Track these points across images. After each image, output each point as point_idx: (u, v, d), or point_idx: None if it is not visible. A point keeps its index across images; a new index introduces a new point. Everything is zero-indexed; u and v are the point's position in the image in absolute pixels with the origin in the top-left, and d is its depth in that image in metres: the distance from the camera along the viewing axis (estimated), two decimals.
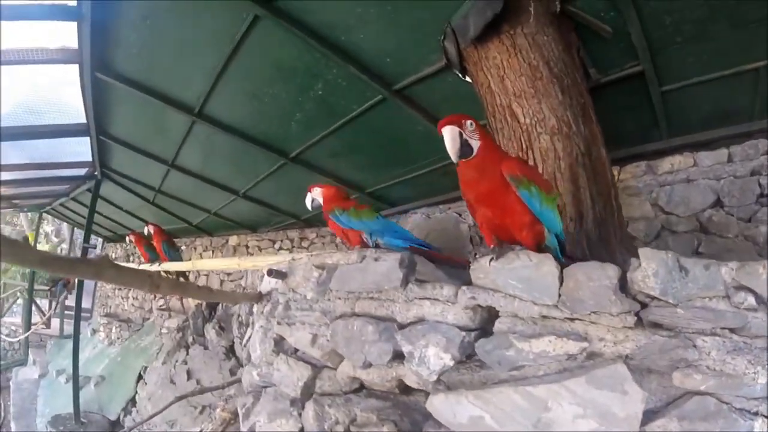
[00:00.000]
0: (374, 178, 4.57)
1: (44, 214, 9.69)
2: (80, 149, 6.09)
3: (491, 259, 1.78)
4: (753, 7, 2.37)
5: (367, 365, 2.19)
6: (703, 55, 2.76)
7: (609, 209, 2.55)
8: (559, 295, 1.63)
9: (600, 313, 1.57)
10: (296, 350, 2.78)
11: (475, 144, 1.71)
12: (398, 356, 2.04)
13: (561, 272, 1.64)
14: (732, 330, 1.41)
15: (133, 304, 8.77)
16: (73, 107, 4.93)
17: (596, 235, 2.46)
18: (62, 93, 5.65)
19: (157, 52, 3.29)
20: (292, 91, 3.35)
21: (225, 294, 3.68)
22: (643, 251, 1.53)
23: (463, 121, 1.70)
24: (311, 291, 2.62)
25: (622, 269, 1.59)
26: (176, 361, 5.68)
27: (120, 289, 8.90)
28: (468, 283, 1.89)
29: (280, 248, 6.34)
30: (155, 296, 6.11)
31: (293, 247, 5.89)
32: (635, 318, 1.52)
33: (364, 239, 2.49)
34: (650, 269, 1.49)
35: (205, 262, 4.73)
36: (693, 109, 3.24)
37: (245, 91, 3.52)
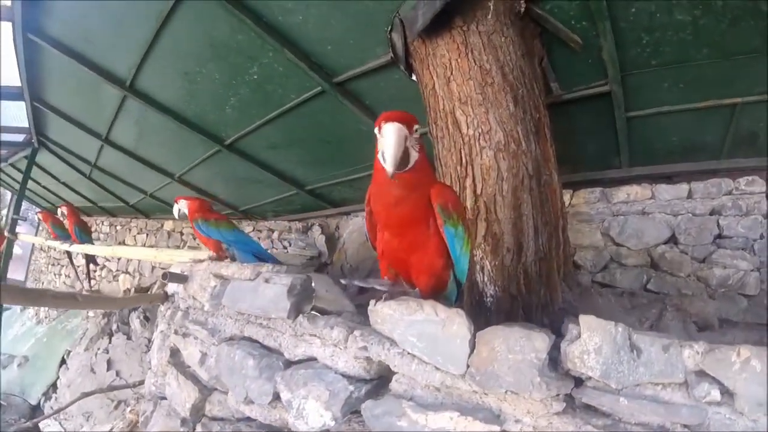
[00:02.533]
0: (314, 176, 4.14)
1: None
2: (20, 114, 5.50)
3: (376, 301, 1.37)
4: (741, 37, 2.06)
5: (249, 401, 1.75)
6: (679, 83, 2.46)
7: (554, 242, 2.18)
8: (468, 366, 1.21)
9: (518, 394, 1.17)
10: (189, 365, 2.33)
11: (414, 156, 1.25)
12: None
13: (473, 336, 1.22)
14: (686, 426, 1.04)
15: (65, 282, 8.06)
16: (8, 69, 4.41)
17: (536, 271, 2.08)
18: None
19: (88, 19, 2.91)
20: (225, 72, 2.88)
21: (131, 299, 3.20)
22: (585, 319, 1.14)
23: (413, 123, 1.24)
24: (207, 302, 2.16)
25: (554, 336, 1.19)
26: (98, 349, 5.13)
27: (54, 264, 8.19)
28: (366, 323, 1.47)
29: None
30: (89, 277, 5.53)
31: None
32: (563, 404, 1.14)
33: (223, 248, 2.46)
34: (592, 344, 1.12)
35: (124, 250, 4.19)
36: (658, 139, 2.93)
37: (176, 68, 3.04)
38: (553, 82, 2.53)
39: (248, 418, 1.91)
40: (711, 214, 3.06)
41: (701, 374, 1.03)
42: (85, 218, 8.28)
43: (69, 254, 5.60)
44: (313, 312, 1.68)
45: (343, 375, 1.45)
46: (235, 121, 3.39)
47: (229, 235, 2.48)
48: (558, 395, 1.14)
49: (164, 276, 2.37)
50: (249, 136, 3.51)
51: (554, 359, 1.18)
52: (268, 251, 2.60)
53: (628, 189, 3.23)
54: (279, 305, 1.60)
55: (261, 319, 1.75)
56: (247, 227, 5.15)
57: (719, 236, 3.03)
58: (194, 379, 2.15)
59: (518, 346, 1.17)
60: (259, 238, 4.93)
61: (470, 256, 1.44)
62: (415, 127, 1.24)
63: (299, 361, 1.62)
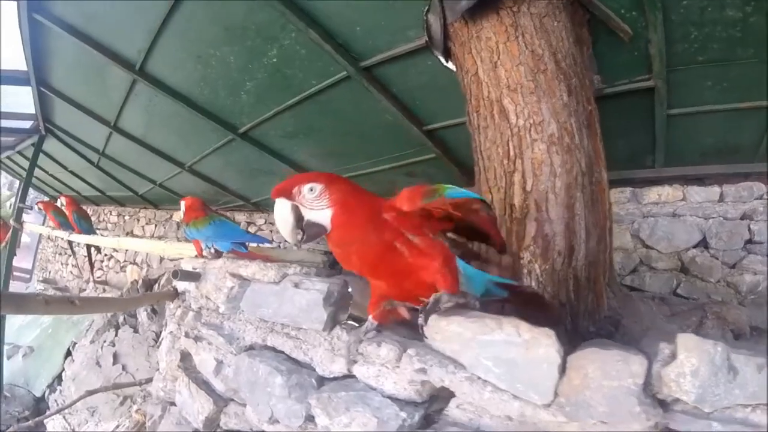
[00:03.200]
0: (331, 168, 3.75)
1: None
2: (27, 100, 5.16)
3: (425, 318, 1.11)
4: None
5: (275, 420, 1.46)
6: (722, 82, 2.22)
7: (603, 245, 1.90)
8: (556, 394, 0.96)
9: (611, 425, 0.93)
10: (200, 372, 2.03)
11: (324, 215, 1.07)
12: (313, 418, 1.33)
13: (564, 360, 0.96)
14: None
15: (71, 272, 7.69)
16: (14, 51, 4.08)
17: (585, 276, 1.80)
18: (3, 34, 4.70)
19: None
20: (242, 55, 2.57)
21: (136, 300, 2.87)
22: (683, 339, 0.95)
23: (297, 188, 1.07)
24: (223, 304, 1.87)
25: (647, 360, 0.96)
26: (104, 342, 4.81)
27: (61, 254, 7.82)
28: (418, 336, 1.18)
29: (267, 256, 5.44)
30: (92, 267, 5.21)
31: None
32: None
33: (203, 248, 2.25)
34: (689, 365, 0.93)
35: (131, 242, 3.88)
36: (694, 139, 2.69)
37: (189, 51, 2.74)
38: (595, 74, 2.24)
39: None
40: (742, 218, 2.85)
41: None
42: (93, 208, 7.98)
43: (70, 243, 5.31)
44: (349, 322, 1.38)
45: (392, 398, 1.16)
46: (250, 108, 3.09)
47: (206, 231, 2.24)
48: (656, 425, 0.93)
49: (174, 274, 2.07)
50: (264, 125, 3.21)
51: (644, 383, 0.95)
52: (254, 234, 2.34)
53: (659, 190, 2.98)
54: (313, 315, 1.31)
55: (288, 329, 1.46)
56: (258, 219, 4.83)
57: (750, 241, 2.82)
58: (208, 388, 1.86)
59: (614, 371, 0.94)
60: (271, 231, 4.61)
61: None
62: (305, 187, 1.06)
63: (334, 378, 1.33)
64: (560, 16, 1.84)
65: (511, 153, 1.77)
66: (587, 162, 1.80)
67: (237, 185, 4.79)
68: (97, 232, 7.31)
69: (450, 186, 1.13)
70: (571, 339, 1.66)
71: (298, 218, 1.07)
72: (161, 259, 5.61)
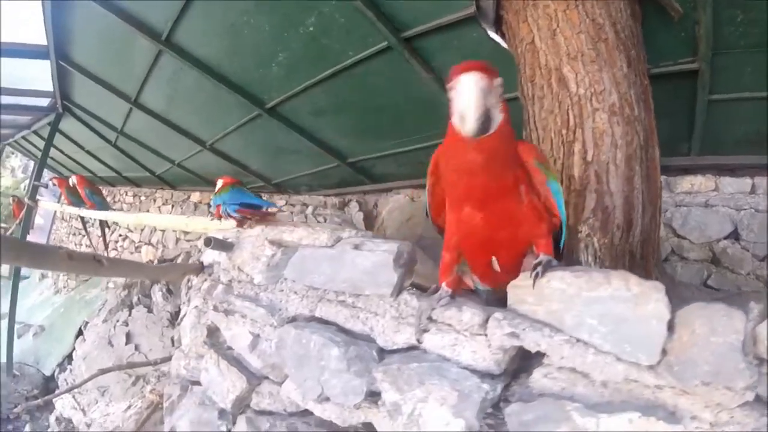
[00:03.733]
0: (359, 148, 3.64)
1: (9, 148, 8.19)
2: (44, 76, 4.97)
3: (536, 275, 0.98)
4: None
5: (324, 399, 1.32)
6: (762, 68, 2.10)
7: (654, 224, 1.78)
8: (664, 353, 0.87)
9: (713, 385, 0.85)
10: (231, 347, 1.89)
11: (497, 117, 0.97)
12: (373, 394, 1.18)
13: (672, 316, 0.87)
14: None
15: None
16: (33, 24, 3.92)
17: (640, 253, 1.68)
18: (21, 6, 4.53)
19: None
20: (277, 24, 2.43)
21: (162, 269, 2.71)
22: None
23: (494, 75, 0.95)
24: (260, 274, 1.73)
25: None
26: (117, 321, 4.66)
27: (75, 234, 7.63)
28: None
29: (268, 211, 5.26)
30: (107, 246, 5.05)
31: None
32: (754, 393, 0.84)
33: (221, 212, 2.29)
34: None
35: (150, 217, 3.69)
36: (732, 127, 2.59)
37: (221, 20, 2.59)
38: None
39: (304, 412, 1.50)
40: None
41: None
42: (108, 188, 7.79)
43: (83, 220, 5.17)
44: (412, 290, 1.24)
45: (470, 369, 1.03)
46: (280, 82, 2.94)
47: (224, 197, 2.42)
48: (755, 385, 0.83)
49: (207, 241, 1.93)
50: (294, 100, 3.06)
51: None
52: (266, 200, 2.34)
53: (692, 179, 2.86)
54: (380, 278, 1.18)
55: (345, 296, 1.32)
56: (279, 201, 4.65)
57: None
58: (240, 365, 1.72)
59: (720, 327, 0.85)
60: (291, 213, 4.45)
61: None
62: (497, 80, 0.96)
63: (397, 351, 1.19)
64: None
65: (571, 122, 1.65)
66: (645, 136, 1.69)
67: (259, 165, 4.61)
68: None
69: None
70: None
71: (486, 101, 0.93)
72: (177, 240, 5.44)
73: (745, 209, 2.75)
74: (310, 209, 4.26)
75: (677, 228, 2.83)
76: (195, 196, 6.11)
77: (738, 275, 2.73)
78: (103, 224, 4.32)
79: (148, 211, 5.89)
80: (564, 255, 1.28)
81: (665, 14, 1.96)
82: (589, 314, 0.89)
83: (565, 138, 1.66)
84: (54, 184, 4.44)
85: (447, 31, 2.14)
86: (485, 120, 0.93)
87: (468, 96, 0.91)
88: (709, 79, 2.21)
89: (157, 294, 4.28)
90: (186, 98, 3.65)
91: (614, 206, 1.60)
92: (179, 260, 4.18)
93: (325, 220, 3.92)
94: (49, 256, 1.42)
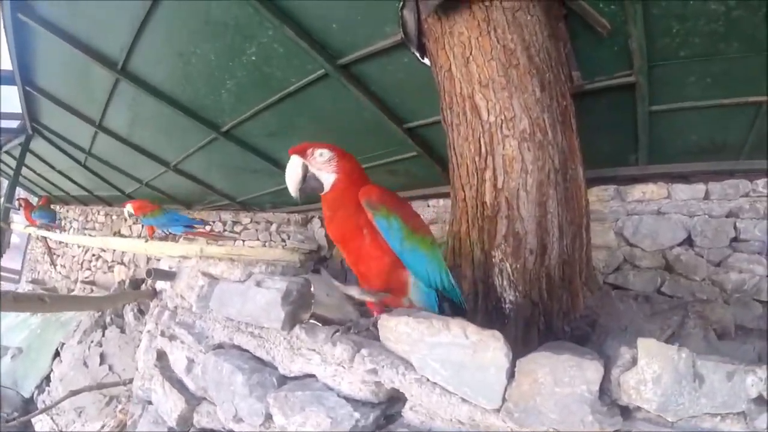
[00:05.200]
0: None
1: None
2: (14, 99, 5.13)
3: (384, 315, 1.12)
4: None
5: (239, 419, 1.45)
6: (706, 77, 2.20)
7: (578, 243, 1.89)
8: (505, 399, 0.94)
9: None
10: (175, 371, 2.03)
11: (328, 177, 1.28)
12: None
13: (512, 364, 0.94)
14: None
15: (60, 272, 7.64)
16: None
17: (559, 275, 1.79)
18: None
19: None
20: (221, 52, 2.55)
21: (112, 298, 2.86)
22: (645, 343, 0.91)
23: (310, 150, 1.28)
24: (194, 303, 1.86)
25: (604, 365, 0.94)
26: (92, 342, 4.78)
27: (47, 254, 7.80)
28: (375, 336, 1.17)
29: (211, 230, 5.43)
30: (81, 266, 5.18)
31: (225, 230, 5.02)
32: None
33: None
34: (650, 372, 0.89)
35: (114, 241, 3.82)
36: (678, 136, 2.67)
37: (170, 48, 2.73)
38: (574, 70, 2.22)
39: None
40: (728, 216, 2.81)
41: (761, 402, 0.84)
42: (81, 207, 7.95)
43: (45, 240, 5.37)
44: (312, 321, 1.37)
45: (347, 399, 1.16)
46: (231, 107, 3.07)
47: (162, 219, 2.93)
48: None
49: (149, 273, 2.07)
50: (246, 123, 3.19)
51: (602, 389, 0.93)
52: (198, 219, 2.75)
53: (644, 188, 2.95)
54: (272, 314, 1.30)
55: (252, 327, 1.45)
56: (244, 218, 4.80)
57: (735, 239, 2.78)
58: (181, 386, 1.86)
59: (567, 377, 0.92)
60: (256, 230, 4.59)
61: (429, 251, 1.29)
62: (317, 151, 1.27)
63: (295, 378, 1.32)
64: (534, 10, 1.82)
65: (483, 150, 1.76)
66: (561, 158, 1.78)
67: (222, 184, 4.77)
68: (86, 232, 7.32)
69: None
70: (544, 340, 1.65)
71: (304, 174, 1.27)
72: (148, 259, 5.58)
73: (699, 215, 2.83)
74: (274, 226, 4.39)
75: (629, 236, 2.91)
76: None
77: (692, 281, 2.81)
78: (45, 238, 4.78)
79: (120, 230, 6.03)
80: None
81: (596, 30, 2.07)
82: (432, 358, 0.99)
83: (477, 165, 1.77)
84: (19, 206, 4.61)
85: (381, 57, 2.25)
86: (311, 186, 1.27)
87: (287, 175, 1.28)
88: (648, 91, 2.30)
89: (129, 315, 4.41)
90: (147, 122, 3.77)
91: (526, 231, 1.70)
92: (150, 279, 4.32)
93: (289, 237, 4.05)
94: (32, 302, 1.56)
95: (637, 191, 2.95)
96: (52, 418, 4.58)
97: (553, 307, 1.76)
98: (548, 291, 1.75)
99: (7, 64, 4.17)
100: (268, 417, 1.31)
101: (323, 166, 1.26)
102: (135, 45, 2.77)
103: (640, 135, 2.61)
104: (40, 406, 5.09)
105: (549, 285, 1.75)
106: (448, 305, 1.34)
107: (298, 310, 1.31)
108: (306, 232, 4.13)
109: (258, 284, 1.39)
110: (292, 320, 1.29)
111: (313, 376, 1.28)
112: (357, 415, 1.10)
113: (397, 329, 1.06)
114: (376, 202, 1.23)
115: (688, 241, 2.84)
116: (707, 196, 2.86)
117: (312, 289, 1.39)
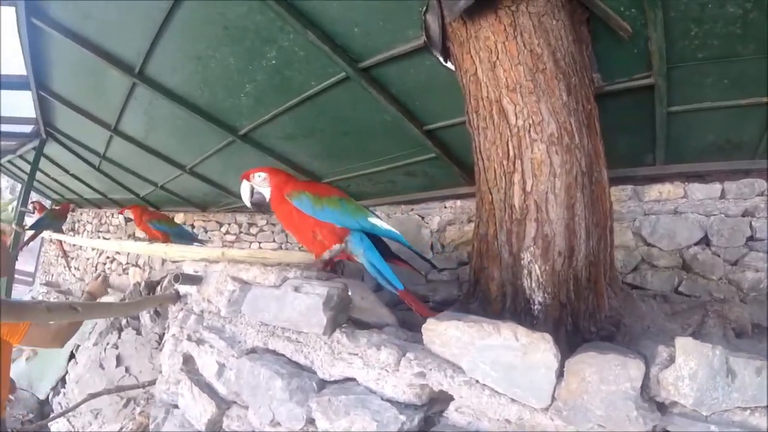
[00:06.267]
0: (331, 169, 3.79)
1: None
2: (28, 104, 5.16)
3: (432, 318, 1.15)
4: None
5: (276, 423, 1.46)
6: (723, 79, 2.20)
7: (603, 245, 1.89)
8: (554, 398, 0.97)
9: (610, 428, 0.95)
10: (202, 374, 2.04)
11: (266, 191, 1.78)
12: (314, 421, 1.33)
13: (561, 364, 0.95)
14: None
15: (74, 275, 7.69)
16: (14, 56, 4.09)
17: (586, 276, 1.79)
18: (2, 39, 4.72)
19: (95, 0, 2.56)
20: (241, 57, 2.55)
21: (138, 303, 2.88)
22: (682, 342, 0.96)
23: (252, 174, 1.81)
24: (224, 308, 1.87)
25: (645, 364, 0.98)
26: (107, 344, 4.81)
27: (62, 257, 7.85)
28: (419, 338, 1.19)
29: (227, 232, 5.47)
30: (95, 269, 5.21)
31: (240, 232, 5.05)
32: None
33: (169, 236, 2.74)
34: (687, 369, 0.94)
35: (132, 245, 3.82)
36: (696, 136, 2.67)
37: (188, 53, 2.72)
38: (595, 72, 2.23)
39: None
40: (743, 215, 2.82)
41: None
42: (95, 211, 8.00)
43: (60, 244, 5.48)
44: (349, 325, 1.38)
45: (391, 401, 1.17)
46: (250, 110, 3.07)
47: (176, 230, 3.57)
48: (653, 428, 0.94)
49: (176, 278, 2.07)
50: (264, 126, 3.19)
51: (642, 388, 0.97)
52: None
53: (660, 187, 2.96)
54: (313, 320, 1.30)
55: (289, 332, 1.45)
56: (260, 221, 4.81)
57: (751, 238, 2.79)
58: (210, 391, 1.86)
59: (612, 376, 0.95)
60: (272, 232, 4.60)
61: (338, 205, 1.65)
62: (256, 175, 1.80)
63: (335, 382, 1.33)
64: (559, 14, 1.83)
65: (511, 153, 1.77)
66: (587, 161, 1.79)
67: (238, 187, 4.68)
68: (99, 235, 7.36)
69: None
70: (572, 340, 1.66)
71: (251, 192, 1.83)
72: (163, 261, 5.61)
73: (715, 215, 2.84)
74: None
75: (646, 236, 2.92)
76: (179, 218, 6.25)
77: (709, 281, 2.82)
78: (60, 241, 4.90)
79: (134, 233, 6.06)
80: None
81: (616, 33, 2.07)
82: (482, 360, 1.00)
83: (506, 169, 1.78)
84: (33, 210, 4.67)
85: (402, 60, 2.25)
86: (259, 201, 1.83)
87: (241, 194, 1.88)
88: (667, 92, 2.30)
89: (145, 316, 4.43)
90: (163, 125, 3.79)
91: (554, 234, 1.71)
92: (165, 281, 4.33)
93: None
94: (30, 311, 1.56)
95: (654, 191, 2.96)
96: (68, 420, 4.62)
97: (579, 308, 1.77)
98: (575, 292, 1.76)
99: (22, 69, 4.22)
100: (309, 421, 1.32)
101: (262, 184, 1.77)
102: (153, 49, 2.78)
103: (658, 135, 2.61)
104: (56, 407, 5.13)
105: (576, 286, 1.76)
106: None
107: (338, 314, 1.32)
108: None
109: (296, 289, 1.40)
110: (333, 325, 1.30)
111: (353, 379, 1.29)
112: (402, 417, 1.11)
113: (447, 333, 1.07)
114: (290, 190, 1.68)
115: (705, 241, 2.85)
116: (723, 195, 2.87)
117: (349, 293, 1.39)
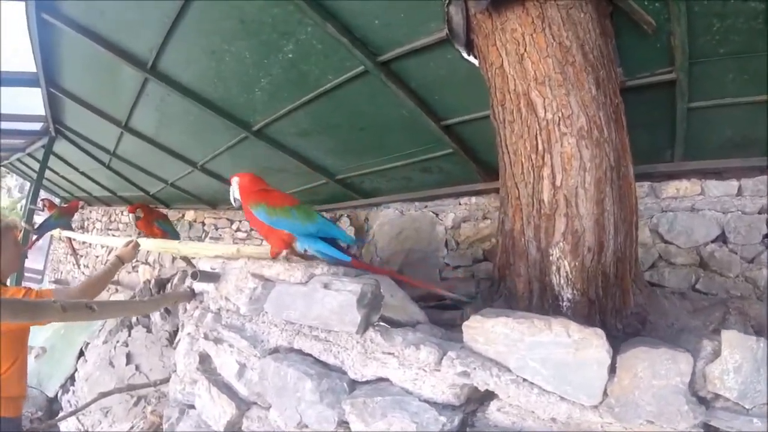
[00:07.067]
0: (346, 165, 3.72)
1: (5, 169, 8.35)
2: (36, 102, 5.10)
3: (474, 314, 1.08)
4: None
5: (303, 426, 1.40)
6: (743, 74, 2.14)
7: (629, 241, 1.83)
8: (605, 395, 0.94)
9: (657, 425, 0.92)
10: (221, 374, 1.98)
11: (239, 197, 1.94)
12: (345, 423, 1.27)
13: (613, 360, 0.92)
14: None
15: (83, 272, 7.62)
16: (23, 53, 4.03)
17: (613, 272, 1.74)
18: (11, 36, 4.66)
19: None
20: (257, 51, 2.49)
21: (154, 302, 2.82)
22: (728, 335, 0.95)
23: (231, 179, 1.97)
24: (244, 306, 1.81)
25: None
26: (117, 342, 4.74)
27: (71, 254, 7.79)
28: (453, 336, 1.13)
29: (238, 229, 5.40)
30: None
31: (251, 229, 4.97)
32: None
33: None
34: (732, 362, 0.93)
35: (143, 242, 3.76)
36: (715, 132, 2.61)
37: (202, 47, 2.66)
38: (617, 66, 2.17)
39: None
40: (760, 212, 2.75)
41: None
42: (104, 208, 7.95)
43: (70, 241, 5.45)
44: (381, 323, 1.31)
45: (429, 402, 1.11)
46: (264, 106, 3.01)
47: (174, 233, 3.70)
48: (700, 423, 0.92)
49: (194, 275, 2.01)
50: (279, 122, 3.13)
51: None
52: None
53: (677, 184, 2.89)
54: (346, 317, 1.24)
55: (317, 331, 1.39)
56: None
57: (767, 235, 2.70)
58: (230, 392, 1.80)
59: (663, 370, 0.93)
60: None
61: (290, 215, 1.76)
62: (234, 179, 1.95)
63: (367, 382, 1.27)
64: (586, 7, 1.77)
65: (540, 147, 1.71)
66: (615, 156, 1.73)
67: None
68: (109, 232, 7.30)
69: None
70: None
71: (234, 196, 1.94)
72: (173, 259, 5.55)
73: (732, 212, 2.78)
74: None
75: (663, 233, 2.86)
76: (189, 215, 6.21)
77: (726, 278, 2.76)
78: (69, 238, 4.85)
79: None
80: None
81: (640, 27, 2.02)
82: (532, 357, 0.95)
83: (534, 163, 1.72)
84: (43, 207, 4.61)
85: (422, 53, 2.19)
86: (237, 202, 1.93)
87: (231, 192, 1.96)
88: (688, 88, 2.25)
89: (155, 314, 4.38)
90: (174, 122, 3.72)
91: (584, 229, 1.65)
92: (176, 279, 4.27)
93: None
94: (45, 310, 1.50)
95: (671, 188, 2.90)
96: (77, 418, 4.55)
97: (607, 305, 1.73)
98: (603, 288, 1.71)
99: (31, 66, 4.15)
100: (341, 423, 1.26)
101: (236, 190, 1.93)
102: (165, 44, 2.73)
103: (677, 131, 2.55)
104: (65, 405, 5.06)
105: (604, 282, 1.71)
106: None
107: (372, 312, 1.26)
108: None
109: (325, 286, 1.33)
110: (366, 323, 1.24)
111: (386, 380, 1.23)
112: (443, 419, 1.06)
113: (494, 330, 1.01)
114: (251, 201, 1.84)
115: (722, 238, 2.78)
116: (740, 192, 2.80)
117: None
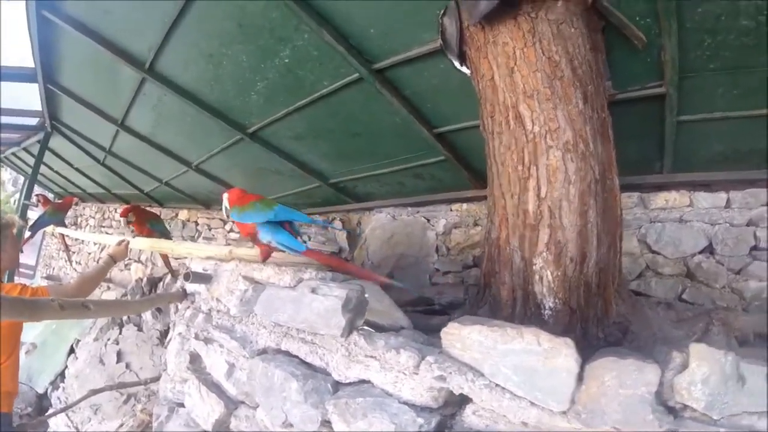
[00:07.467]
0: (339, 169, 3.79)
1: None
2: (33, 97, 5.14)
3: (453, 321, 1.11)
4: None
5: (288, 425, 1.45)
6: (733, 89, 2.22)
7: (613, 252, 1.89)
8: (573, 402, 0.99)
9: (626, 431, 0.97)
10: (211, 374, 2.03)
11: (228, 207, 2.07)
12: (328, 423, 1.33)
13: (582, 369, 0.97)
14: None
15: (75, 269, 7.65)
16: (22, 49, 4.08)
17: (596, 283, 1.80)
18: (10, 32, 4.72)
19: None
20: (254, 55, 2.55)
21: (148, 301, 2.86)
22: (696, 348, 0.99)
23: (223, 194, 2.13)
24: (234, 307, 1.87)
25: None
26: (108, 339, 4.78)
27: (64, 250, 7.80)
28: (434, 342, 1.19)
29: (231, 230, 5.46)
30: (97, 263, 5.16)
31: None
32: None
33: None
34: (700, 374, 0.97)
35: (137, 241, 3.78)
36: (704, 145, 2.68)
37: (200, 50, 2.71)
38: (607, 80, 2.24)
39: None
40: (748, 224, 2.81)
41: None
42: (98, 205, 7.97)
43: (62, 238, 5.50)
44: (365, 327, 1.37)
45: (408, 404, 1.16)
46: (259, 109, 3.07)
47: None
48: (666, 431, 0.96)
49: (186, 276, 2.06)
50: (274, 125, 3.19)
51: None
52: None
53: (666, 195, 2.96)
54: (331, 321, 1.30)
55: (304, 334, 1.45)
56: None
57: (755, 248, 2.78)
58: (219, 391, 1.85)
59: (630, 380, 0.97)
60: None
61: (252, 208, 1.95)
62: (224, 195, 2.11)
63: (349, 384, 1.32)
64: (577, 22, 1.83)
65: (526, 159, 1.77)
66: (601, 169, 1.79)
67: (244, 185, 4.66)
68: (102, 230, 7.32)
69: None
70: (580, 345, 1.66)
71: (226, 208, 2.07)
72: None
73: (720, 224, 2.84)
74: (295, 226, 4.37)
75: (651, 244, 2.93)
76: (183, 214, 6.27)
77: (713, 289, 2.83)
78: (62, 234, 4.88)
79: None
80: None
81: (631, 42, 2.08)
82: (504, 364, 1.00)
83: (520, 174, 1.78)
84: (39, 202, 4.64)
85: (416, 62, 2.25)
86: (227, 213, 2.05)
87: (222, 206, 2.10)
88: (677, 102, 2.31)
89: (146, 313, 4.42)
90: (170, 122, 3.78)
91: (567, 240, 1.71)
92: (168, 278, 4.32)
93: (310, 239, 4.06)
94: (45, 309, 1.54)
95: (660, 199, 2.97)
96: (67, 415, 4.58)
97: (588, 314, 1.78)
98: (585, 298, 1.76)
99: (29, 62, 4.20)
100: (324, 423, 1.31)
101: (226, 202, 2.06)
102: (164, 45, 2.78)
103: (666, 144, 2.62)
104: (54, 402, 5.09)
105: (587, 292, 1.76)
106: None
107: (356, 316, 1.31)
108: (328, 234, 4.14)
109: (313, 291, 1.39)
110: (350, 327, 1.30)
111: (368, 382, 1.29)
112: (420, 420, 1.11)
113: (470, 337, 1.07)
114: (232, 208, 2.01)
115: (709, 249, 2.85)
116: (728, 204, 2.87)
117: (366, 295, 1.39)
